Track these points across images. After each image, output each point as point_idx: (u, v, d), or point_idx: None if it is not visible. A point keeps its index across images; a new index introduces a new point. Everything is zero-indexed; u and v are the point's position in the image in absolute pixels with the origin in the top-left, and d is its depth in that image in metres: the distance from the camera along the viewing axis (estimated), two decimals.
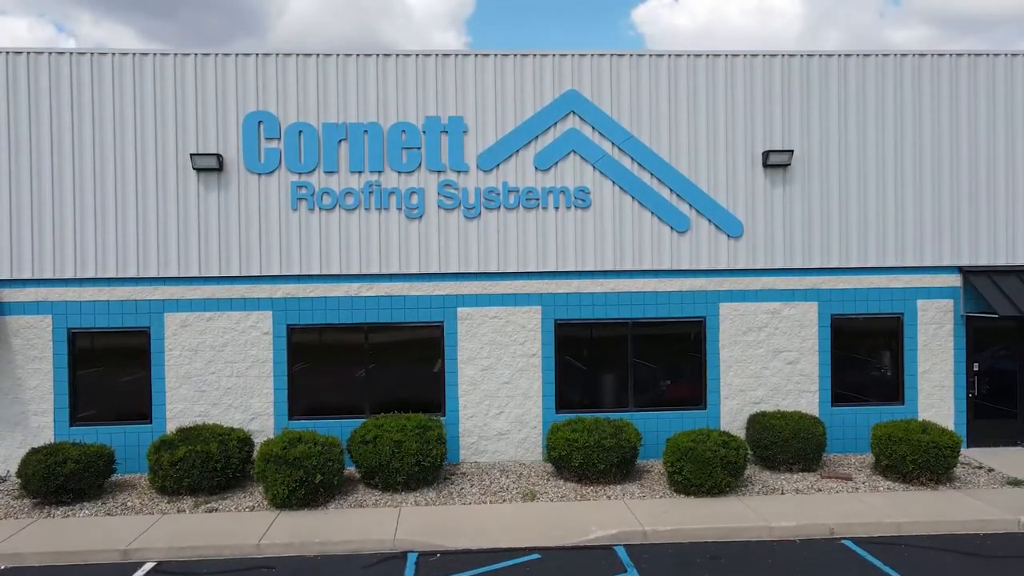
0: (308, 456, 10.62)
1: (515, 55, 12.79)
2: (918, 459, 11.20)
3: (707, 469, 10.86)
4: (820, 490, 11.28)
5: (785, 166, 12.98)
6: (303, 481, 10.56)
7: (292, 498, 10.60)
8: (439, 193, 12.70)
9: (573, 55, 12.83)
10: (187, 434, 11.42)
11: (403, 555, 9.26)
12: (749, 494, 11.14)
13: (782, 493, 11.18)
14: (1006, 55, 13.20)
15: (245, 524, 10.08)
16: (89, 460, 10.96)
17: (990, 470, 12.15)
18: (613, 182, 12.84)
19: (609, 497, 11.09)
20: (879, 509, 10.33)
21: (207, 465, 11.06)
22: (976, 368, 13.38)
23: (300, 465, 10.55)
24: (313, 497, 10.73)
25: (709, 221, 12.96)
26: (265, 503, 10.88)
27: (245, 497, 11.16)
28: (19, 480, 10.98)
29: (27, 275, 12.30)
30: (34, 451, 11.02)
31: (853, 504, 10.59)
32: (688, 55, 12.96)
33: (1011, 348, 13.50)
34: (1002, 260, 13.18)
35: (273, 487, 10.61)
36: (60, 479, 10.67)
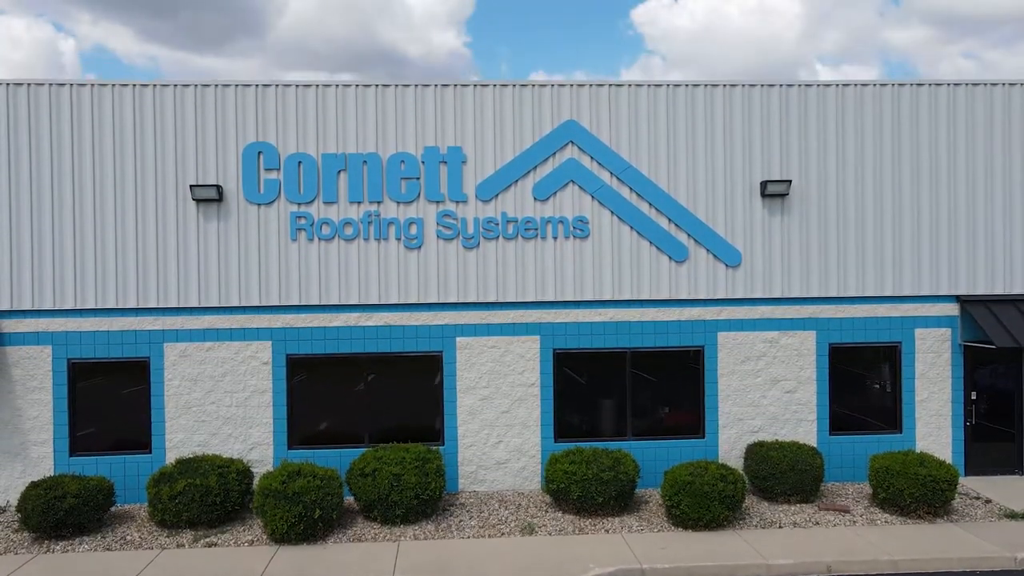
0: (307, 490, 10.65)
1: (514, 85, 12.83)
2: (915, 493, 11.22)
3: (705, 503, 10.88)
4: (818, 523, 11.31)
5: (783, 196, 13.01)
6: (302, 516, 10.59)
7: (291, 533, 10.62)
8: (438, 223, 12.73)
9: (572, 85, 12.88)
10: (186, 466, 11.45)
11: None
12: (747, 527, 11.17)
13: (780, 526, 11.21)
14: (1004, 84, 13.24)
15: (244, 560, 10.11)
16: (89, 494, 10.98)
17: (988, 501, 12.18)
18: (612, 212, 12.88)
19: (607, 531, 11.11)
20: (876, 545, 10.35)
21: (206, 499, 11.08)
22: (974, 397, 13.41)
23: (299, 500, 10.57)
24: (312, 531, 10.76)
25: (707, 251, 12.99)
26: (264, 537, 10.91)
27: (244, 530, 11.18)
28: (19, 514, 11.00)
29: (27, 306, 12.33)
30: (34, 485, 11.04)
31: (851, 539, 10.61)
32: (686, 85, 13.00)
33: (1009, 374, 13.51)
34: (999, 289, 13.21)
35: (272, 521, 10.64)
36: (60, 514, 10.69)
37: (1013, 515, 11.52)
